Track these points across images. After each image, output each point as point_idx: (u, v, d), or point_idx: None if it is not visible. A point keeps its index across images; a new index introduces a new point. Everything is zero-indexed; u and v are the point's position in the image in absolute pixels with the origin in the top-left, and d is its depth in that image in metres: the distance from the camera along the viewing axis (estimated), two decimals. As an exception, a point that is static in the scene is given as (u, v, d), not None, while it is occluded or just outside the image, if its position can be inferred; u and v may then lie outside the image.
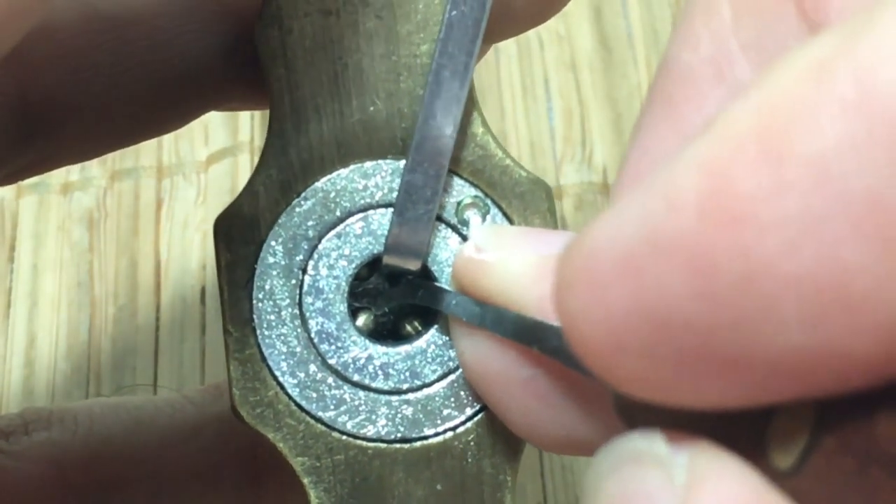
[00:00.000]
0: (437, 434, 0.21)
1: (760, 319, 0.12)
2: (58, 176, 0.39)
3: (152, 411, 0.28)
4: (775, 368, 0.12)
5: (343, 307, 0.22)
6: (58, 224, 0.38)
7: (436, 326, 0.22)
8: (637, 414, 0.15)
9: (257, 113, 0.39)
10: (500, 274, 0.18)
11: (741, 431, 0.13)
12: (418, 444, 0.21)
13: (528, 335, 0.18)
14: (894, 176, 0.11)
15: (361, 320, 0.22)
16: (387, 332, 0.22)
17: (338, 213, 0.22)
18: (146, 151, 0.39)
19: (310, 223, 0.22)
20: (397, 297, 0.22)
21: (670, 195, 0.12)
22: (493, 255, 0.19)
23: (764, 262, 0.12)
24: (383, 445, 0.21)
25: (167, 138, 0.40)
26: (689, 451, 0.13)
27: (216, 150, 0.40)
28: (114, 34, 0.24)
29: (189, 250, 0.38)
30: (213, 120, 0.40)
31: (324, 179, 0.22)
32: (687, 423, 0.14)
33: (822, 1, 0.15)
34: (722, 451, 0.13)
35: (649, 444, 0.14)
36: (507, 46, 0.43)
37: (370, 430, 0.21)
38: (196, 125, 0.40)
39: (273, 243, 0.22)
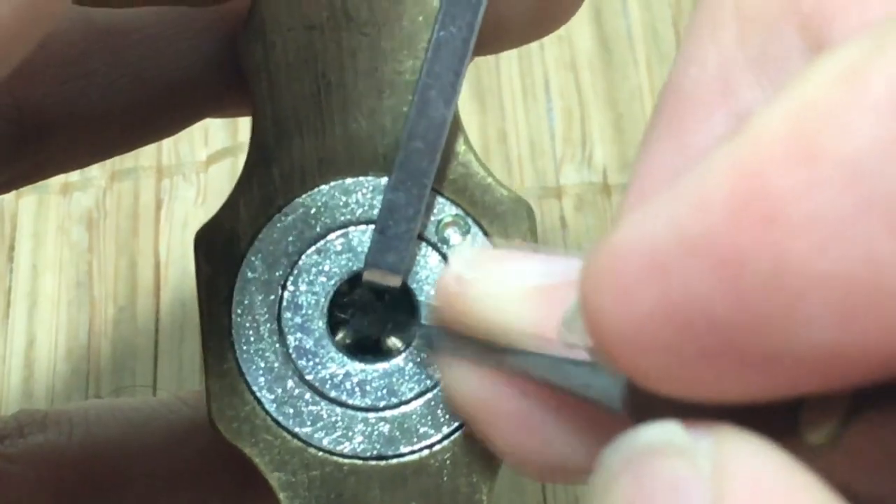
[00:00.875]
0: (413, 452, 0.21)
1: (790, 317, 0.12)
2: (57, 176, 0.39)
3: (148, 413, 0.28)
4: (804, 364, 0.12)
5: (322, 323, 0.22)
6: (57, 224, 0.39)
7: (414, 344, 0.22)
8: (656, 414, 0.14)
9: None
10: (488, 307, 0.18)
11: (768, 413, 0.13)
12: (394, 461, 0.21)
13: (531, 367, 0.17)
14: None
15: (340, 335, 0.22)
16: (366, 348, 0.22)
17: (318, 229, 0.22)
18: (146, 152, 0.39)
19: (290, 238, 0.22)
20: (382, 314, 0.22)
21: (700, 195, 0.13)
22: (477, 289, 0.18)
23: (795, 261, 0.12)
24: (359, 462, 0.21)
25: (167, 139, 0.40)
26: (712, 436, 0.13)
27: (216, 151, 0.40)
28: (107, 43, 0.24)
29: (189, 251, 0.38)
30: (213, 120, 0.40)
31: (305, 195, 0.22)
32: (710, 416, 0.14)
33: (825, 18, 0.15)
34: (746, 433, 0.13)
35: (667, 434, 0.14)
36: (509, 47, 0.42)
37: (346, 447, 0.21)
38: (196, 126, 0.40)
39: (253, 258, 0.22)
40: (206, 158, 0.40)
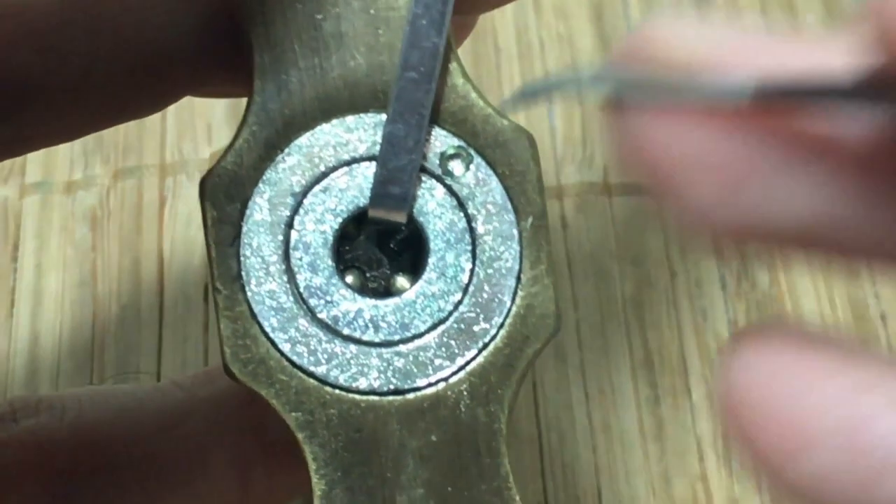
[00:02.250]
0: (429, 385, 0.21)
1: None
2: (61, 175, 0.40)
3: (141, 397, 0.28)
4: None
5: (330, 261, 0.22)
6: (61, 223, 0.39)
7: (424, 278, 0.22)
8: None
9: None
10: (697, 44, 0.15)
11: None
12: (411, 395, 0.21)
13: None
14: None
15: (351, 279, 0.22)
16: (375, 290, 0.22)
17: (322, 168, 0.22)
18: (149, 150, 0.40)
19: (294, 178, 0.22)
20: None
21: None
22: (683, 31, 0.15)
23: None
24: (376, 398, 0.21)
25: (170, 137, 0.40)
26: None
27: (219, 149, 0.40)
28: (87, 13, 0.24)
29: (192, 248, 0.38)
30: (216, 118, 0.40)
31: (307, 135, 0.22)
32: None
33: None
34: None
35: None
36: (508, 47, 0.43)
37: (363, 383, 0.21)
38: (199, 123, 0.40)
39: (258, 200, 0.22)
40: (209, 156, 0.40)
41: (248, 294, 0.22)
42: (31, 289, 0.38)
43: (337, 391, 0.21)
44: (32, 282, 0.38)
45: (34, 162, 0.39)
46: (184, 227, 0.39)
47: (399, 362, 0.21)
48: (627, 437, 0.36)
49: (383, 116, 0.22)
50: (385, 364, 0.21)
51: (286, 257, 0.22)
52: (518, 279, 0.22)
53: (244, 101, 0.23)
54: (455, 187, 0.22)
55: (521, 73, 0.42)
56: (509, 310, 0.22)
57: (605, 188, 0.40)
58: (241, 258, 0.22)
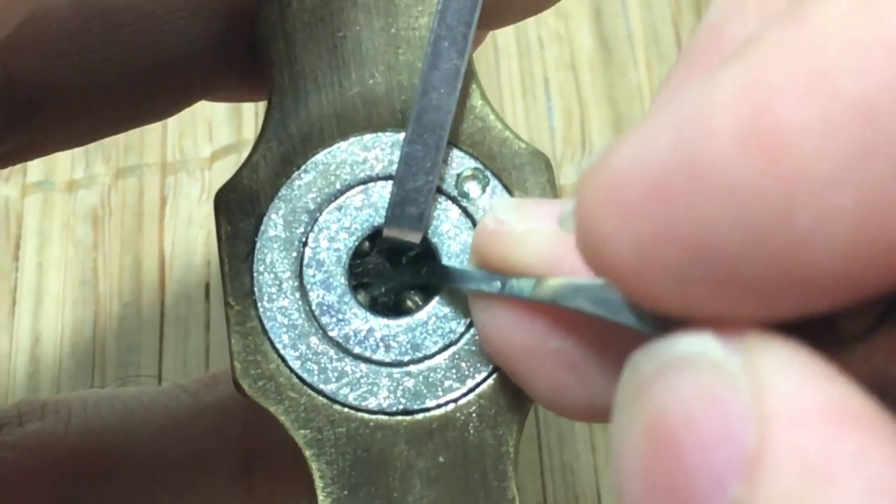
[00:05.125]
0: (438, 406, 0.21)
1: (798, 249, 0.12)
2: (62, 174, 0.39)
3: (146, 401, 0.28)
4: (813, 289, 0.12)
5: (343, 280, 0.22)
6: (62, 222, 0.38)
7: (437, 299, 0.22)
8: (677, 325, 0.14)
9: (261, 110, 0.39)
10: (529, 245, 0.18)
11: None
12: (420, 416, 0.21)
13: (562, 296, 0.17)
14: None
15: (361, 296, 0.22)
16: (387, 307, 0.22)
17: (338, 186, 0.22)
18: (150, 148, 0.40)
19: (310, 196, 0.22)
20: (400, 277, 0.22)
21: (707, 119, 0.12)
22: (520, 227, 0.18)
23: (805, 195, 0.12)
24: (385, 417, 0.21)
25: (171, 135, 0.40)
26: (746, 347, 0.13)
27: (220, 147, 0.40)
28: (104, 18, 0.24)
29: (193, 247, 0.38)
30: (217, 117, 0.40)
31: (324, 152, 0.22)
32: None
33: None
34: (781, 342, 0.13)
35: (701, 346, 0.13)
36: (508, 46, 0.43)
37: (372, 403, 0.21)
38: (200, 122, 0.40)
39: (273, 216, 0.22)
40: (210, 155, 0.40)
41: (260, 310, 0.22)
42: (32, 288, 0.37)
43: (346, 410, 0.21)
44: (34, 281, 0.38)
45: (35, 161, 0.39)
46: (185, 225, 0.38)
47: (409, 382, 0.21)
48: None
49: (401, 136, 0.22)
50: (395, 384, 0.21)
51: (299, 274, 0.22)
52: None
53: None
54: (470, 209, 0.22)
55: (520, 73, 0.42)
56: None
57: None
58: (255, 274, 0.22)
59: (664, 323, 0.14)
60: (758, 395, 0.13)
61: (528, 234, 0.18)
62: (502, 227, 0.18)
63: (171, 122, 0.40)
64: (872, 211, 0.12)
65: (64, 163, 0.39)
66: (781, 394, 0.12)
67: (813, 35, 0.12)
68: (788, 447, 0.12)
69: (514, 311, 0.18)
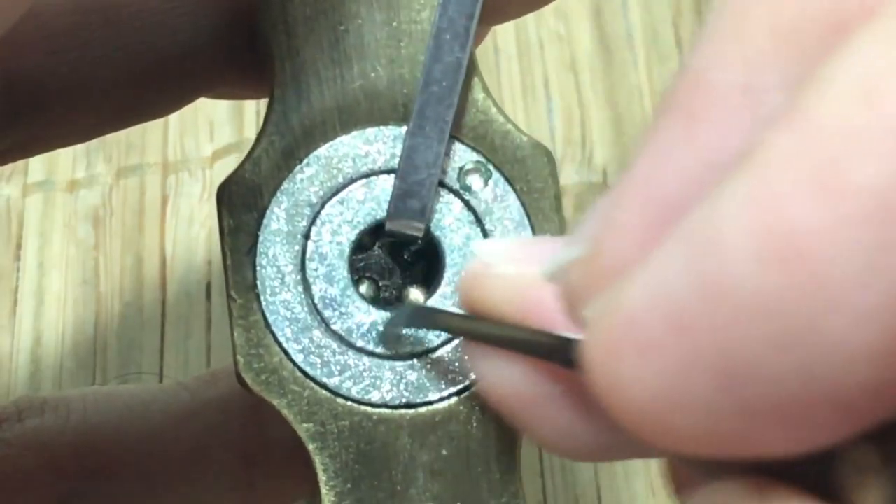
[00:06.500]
0: (441, 399, 0.21)
1: (835, 358, 0.11)
2: (63, 174, 0.39)
3: (146, 398, 0.28)
4: (848, 405, 0.12)
5: (346, 273, 0.22)
6: (63, 222, 0.38)
7: (439, 292, 0.22)
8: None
9: (263, 109, 0.39)
10: (517, 288, 0.17)
11: (805, 473, 0.13)
12: (423, 409, 0.21)
13: (549, 351, 0.17)
14: None
15: (364, 288, 0.22)
16: (390, 301, 0.22)
17: (340, 179, 0.22)
18: (151, 148, 0.40)
19: (312, 189, 0.22)
20: (399, 322, 0.21)
21: (720, 240, 0.12)
22: (507, 269, 0.17)
23: (834, 299, 0.11)
24: (388, 411, 0.21)
25: (172, 134, 0.40)
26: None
27: (221, 146, 0.40)
28: (104, 14, 0.24)
29: (194, 246, 0.38)
30: (219, 116, 0.40)
31: (326, 145, 0.22)
32: (738, 467, 0.13)
33: None
34: (808, 500, 0.12)
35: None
36: (507, 46, 0.43)
37: (375, 396, 0.21)
38: (201, 121, 0.40)
39: (276, 209, 0.22)
40: (211, 154, 0.40)
41: (263, 303, 0.22)
42: (33, 288, 0.37)
43: (349, 403, 0.21)
44: (35, 281, 0.38)
45: (36, 161, 0.39)
46: (186, 224, 0.39)
47: (412, 376, 0.21)
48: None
49: (403, 129, 0.22)
50: (398, 377, 0.21)
51: (302, 268, 0.22)
52: None
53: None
54: (473, 202, 0.22)
55: (520, 74, 0.42)
56: None
57: (605, 188, 0.41)
58: (257, 267, 0.22)
59: None
60: None
61: (517, 276, 0.17)
62: (487, 271, 0.17)
63: (173, 121, 0.40)
64: None
65: (65, 162, 0.40)
66: None
67: (815, 130, 0.11)
68: None
69: (513, 358, 0.17)
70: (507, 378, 0.17)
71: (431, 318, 0.21)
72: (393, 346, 0.21)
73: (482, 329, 0.18)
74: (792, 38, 0.13)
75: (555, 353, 0.16)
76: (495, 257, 0.18)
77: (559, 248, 0.16)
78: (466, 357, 0.20)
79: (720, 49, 0.14)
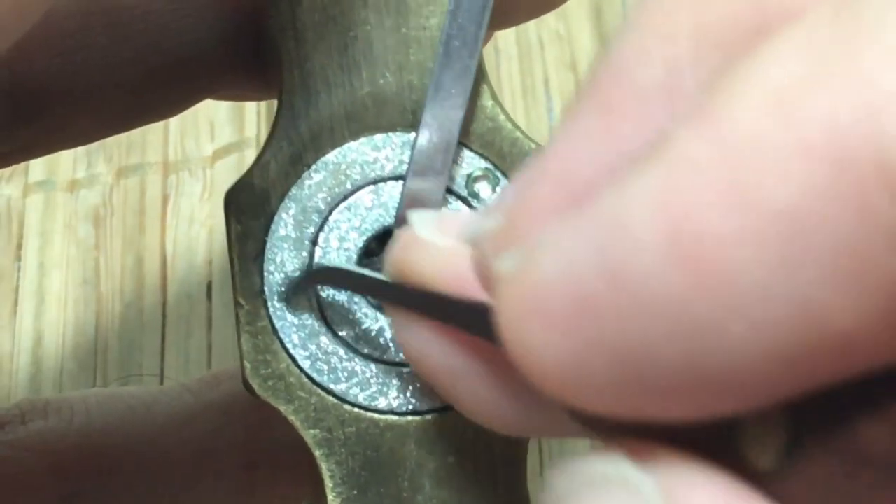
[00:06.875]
0: (448, 406, 0.21)
1: (732, 358, 0.12)
2: (64, 174, 0.39)
3: (149, 400, 0.28)
4: (744, 388, 0.12)
5: None
6: (64, 222, 0.38)
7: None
8: (591, 418, 0.14)
9: (263, 108, 0.39)
10: (441, 256, 0.17)
11: (708, 433, 0.13)
12: (430, 416, 0.21)
13: (467, 317, 0.17)
14: (867, 230, 0.11)
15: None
16: None
17: (348, 186, 0.22)
18: (152, 147, 0.39)
19: (320, 195, 0.22)
20: (303, 278, 0.21)
21: (628, 230, 0.12)
22: (433, 237, 0.18)
23: (735, 307, 0.11)
24: (395, 418, 0.21)
25: (173, 134, 0.40)
26: (659, 468, 0.13)
27: (222, 146, 0.40)
28: (108, 18, 0.24)
29: (195, 246, 0.38)
30: (219, 115, 0.40)
31: (334, 152, 0.22)
32: (645, 429, 0.13)
33: None
34: (694, 463, 0.13)
35: (614, 467, 0.13)
36: (507, 46, 0.43)
37: (382, 403, 0.21)
38: (202, 120, 0.40)
39: (284, 215, 0.22)
40: (212, 154, 0.40)
41: (270, 309, 0.22)
42: (34, 287, 0.37)
43: (356, 409, 0.21)
44: (36, 281, 0.37)
45: (37, 161, 0.39)
46: (187, 224, 0.38)
47: (419, 383, 0.21)
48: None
49: (411, 136, 0.22)
50: (405, 384, 0.21)
51: None
52: None
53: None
54: (481, 210, 0.22)
55: (520, 74, 0.42)
56: None
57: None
58: (265, 273, 0.22)
59: None
60: None
61: (443, 250, 0.17)
62: (418, 241, 0.18)
63: (173, 121, 0.40)
64: (806, 319, 0.11)
65: (66, 162, 0.39)
66: None
67: (726, 139, 0.11)
68: None
69: (436, 331, 0.17)
70: (433, 349, 0.18)
71: (348, 280, 0.20)
72: (294, 306, 0.21)
73: (402, 293, 0.18)
74: (714, 39, 0.14)
75: (473, 321, 0.16)
76: (425, 227, 0.18)
77: (476, 218, 0.17)
78: (394, 328, 0.20)
79: (642, 46, 0.14)
